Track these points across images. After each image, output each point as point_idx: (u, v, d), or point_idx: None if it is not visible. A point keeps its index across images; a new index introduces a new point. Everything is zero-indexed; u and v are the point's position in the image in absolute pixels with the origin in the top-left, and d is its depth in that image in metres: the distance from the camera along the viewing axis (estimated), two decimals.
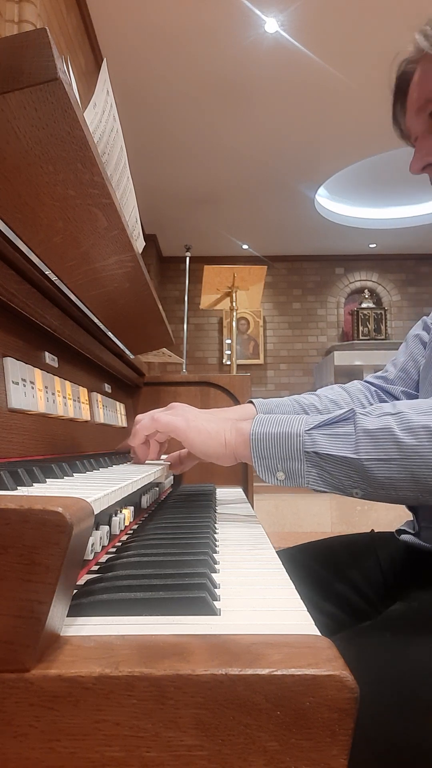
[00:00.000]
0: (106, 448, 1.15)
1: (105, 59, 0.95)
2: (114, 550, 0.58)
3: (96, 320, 0.99)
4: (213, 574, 0.47)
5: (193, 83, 4.06)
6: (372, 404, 1.02)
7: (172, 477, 1.27)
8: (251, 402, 1.00)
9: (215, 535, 0.66)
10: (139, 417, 0.82)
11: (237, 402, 1.56)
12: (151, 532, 0.65)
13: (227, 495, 1.15)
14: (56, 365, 0.88)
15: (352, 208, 6.38)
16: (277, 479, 0.67)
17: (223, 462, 0.74)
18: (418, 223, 6.43)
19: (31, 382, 0.74)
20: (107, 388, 1.24)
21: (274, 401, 1.01)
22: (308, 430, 0.65)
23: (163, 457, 0.94)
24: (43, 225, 0.65)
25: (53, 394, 0.82)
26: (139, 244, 1.09)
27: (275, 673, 0.29)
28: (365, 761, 0.45)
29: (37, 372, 0.77)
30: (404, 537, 0.82)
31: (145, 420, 0.79)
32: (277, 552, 0.61)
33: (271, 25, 3.54)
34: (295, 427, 0.66)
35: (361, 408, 0.66)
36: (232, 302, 4.37)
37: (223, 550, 0.59)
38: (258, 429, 0.69)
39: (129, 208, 1.02)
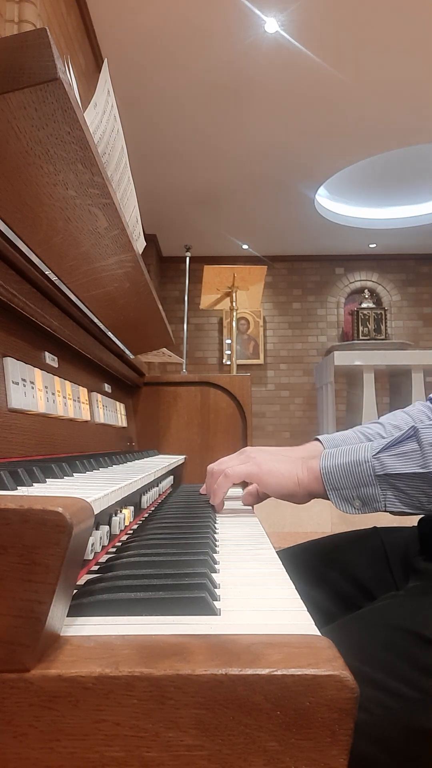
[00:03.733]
0: (106, 448, 1.15)
1: (106, 60, 0.95)
2: (114, 550, 0.58)
3: (96, 320, 0.99)
4: (213, 574, 0.47)
5: (194, 82, 4.06)
6: None
7: (171, 477, 1.27)
8: (317, 439, 1.01)
9: (215, 535, 0.66)
10: (211, 470, 0.83)
11: (237, 401, 1.56)
12: (151, 532, 0.65)
13: (227, 495, 1.14)
14: (56, 365, 0.88)
15: (352, 208, 6.38)
16: (354, 508, 0.68)
17: (299, 500, 0.75)
18: (418, 223, 6.42)
19: (31, 382, 0.74)
20: (107, 388, 1.24)
21: (339, 435, 1.02)
22: (375, 454, 0.67)
23: (239, 491, 0.95)
24: (43, 225, 0.65)
25: (53, 394, 0.82)
26: (140, 244, 1.09)
27: (275, 673, 0.29)
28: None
29: (37, 372, 0.77)
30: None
31: (221, 479, 0.80)
32: (278, 551, 0.61)
33: (271, 25, 3.54)
34: (362, 454, 0.68)
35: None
36: (232, 302, 4.37)
37: (223, 549, 0.59)
38: (326, 462, 0.70)
39: (129, 208, 1.02)
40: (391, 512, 0.67)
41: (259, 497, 0.92)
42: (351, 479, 0.68)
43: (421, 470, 0.63)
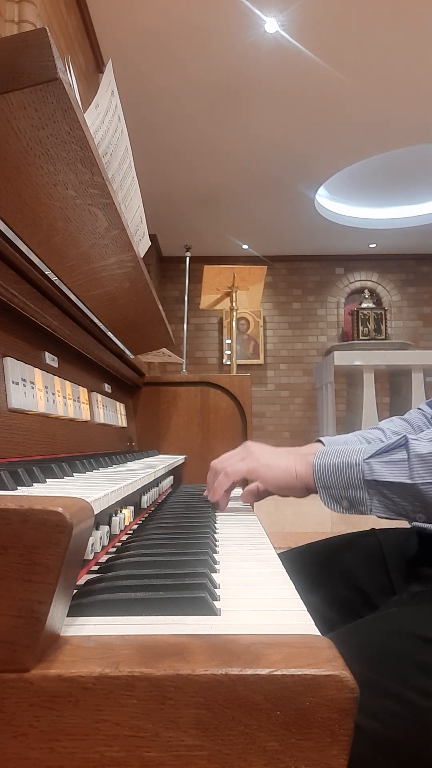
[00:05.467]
0: (106, 448, 1.15)
1: (110, 60, 0.95)
2: (114, 550, 0.58)
3: (96, 320, 0.98)
4: (213, 574, 0.47)
5: (194, 83, 4.06)
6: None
7: (171, 477, 1.27)
8: (320, 440, 1.02)
9: (215, 535, 0.66)
10: (214, 467, 0.84)
11: (237, 402, 1.56)
12: (151, 532, 0.65)
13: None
14: (56, 365, 0.88)
15: (352, 208, 6.37)
16: (342, 507, 0.69)
17: (297, 494, 0.76)
18: (418, 223, 6.42)
19: (31, 382, 0.74)
20: (107, 388, 1.24)
21: (341, 438, 1.03)
22: (366, 459, 0.67)
23: (239, 491, 0.95)
24: (43, 225, 0.65)
25: (53, 394, 0.82)
26: (144, 244, 1.09)
27: (275, 673, 0.29)
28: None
29: (37, 372, 0.77)
30: (416, 523, 0.82)
31: (221, 478, 0.82)
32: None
33: (271, 25, 3.53)
34: (354, 457, 0.69)
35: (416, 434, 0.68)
36: (232, 302, 4.37)
37: (223, 549, 0.59)
38: (320, 460, 0.71)
39: (133, 207, 1.02)
40: (379, 517, 0.68)
41: (260, 494, 0.92)
42: (341, 480, 0.68)
43: (407, 481, 0.63)
